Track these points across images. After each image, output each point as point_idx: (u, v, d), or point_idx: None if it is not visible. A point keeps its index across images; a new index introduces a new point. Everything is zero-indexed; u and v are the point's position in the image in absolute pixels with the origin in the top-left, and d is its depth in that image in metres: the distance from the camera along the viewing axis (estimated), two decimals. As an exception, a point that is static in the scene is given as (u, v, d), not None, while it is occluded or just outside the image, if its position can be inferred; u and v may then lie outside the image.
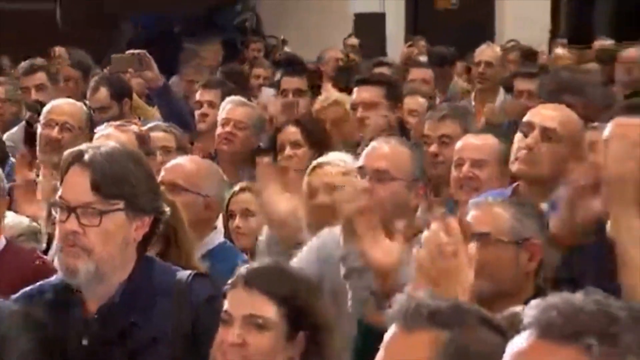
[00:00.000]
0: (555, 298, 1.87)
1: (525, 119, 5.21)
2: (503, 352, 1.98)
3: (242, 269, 3.28)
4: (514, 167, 5.01)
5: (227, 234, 5.16)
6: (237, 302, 3.04)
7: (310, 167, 5.04)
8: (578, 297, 1.90)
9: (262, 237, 4.67)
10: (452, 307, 2.60)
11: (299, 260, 4.49)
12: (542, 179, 5.02)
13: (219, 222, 4.98)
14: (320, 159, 5.14)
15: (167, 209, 3.72)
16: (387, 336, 2.51)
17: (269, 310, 2.99)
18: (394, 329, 2.46)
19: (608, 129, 4.27)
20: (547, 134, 5.02)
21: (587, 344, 1.75)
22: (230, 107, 6.27)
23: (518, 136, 5.10)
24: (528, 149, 4.95)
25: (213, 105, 6.84)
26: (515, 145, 5.08)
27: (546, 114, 5.12)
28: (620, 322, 1.79)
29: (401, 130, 6.63)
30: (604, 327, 1.77)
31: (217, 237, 4.75)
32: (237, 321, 2.99)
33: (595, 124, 5.14)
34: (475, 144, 5.31)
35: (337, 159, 5.04)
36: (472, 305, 2.75)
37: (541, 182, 5.01)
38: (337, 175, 4.81)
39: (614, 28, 14.70)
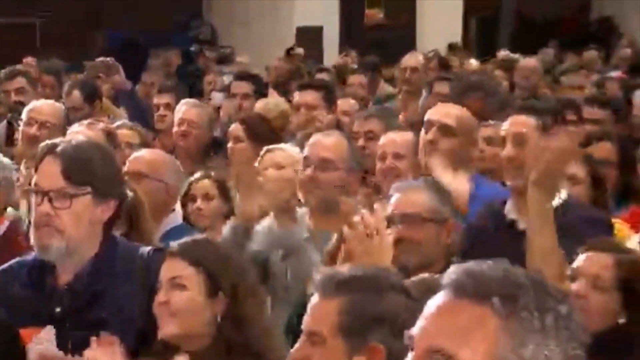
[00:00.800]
0: (469, 264, 1.86)
1: (425, 117, 5.19)
2: (408, 311, 2.03)
3: (172, 243, 3.31)
4: (421, 160, 4.97)
5: (186, 216, 5.12)
6: (165, 269, 3.06)
7: (263, 151, 5.06)
8: (488, 264, 1.87)
9: (229, 224, 4.65)
10: (361, 276, 2.65)
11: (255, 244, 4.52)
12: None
13: (178, 207, 4.96)
14: (271, 146, 5.15)
15: (130, 194, 3.87)
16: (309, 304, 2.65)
17: (188, 272, 3.00)
18: (314, 297, 2.60)
19: (505, 125, 4.34)
20: (444, 129, 4.98)
21: (492, 303, 1.75)
22: (184, 108, 6.27)
23: (422, 133, 5.08)
24: (429, 143, 4.95)
25: (169, 107, 6.80)
26: (420, 141, 5.06)
27: (443, 112, 5.11)
28: (520, 285, 1.78)
29: (337, 128, 6.57)
30: (507, 289, 1.76)
31: (176, 218, 4.74)
32: (164, 284, 3.02)
33: (491, 121, 5.22)
34: (396, 139, 5.30)
35: (284, 147, 5.11)
36: (382, 272, 2.81)
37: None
38: (284, 158, 4.87)
39: (513, 42, 14.71)
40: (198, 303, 3.00)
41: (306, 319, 2.63)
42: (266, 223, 4.61)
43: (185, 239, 3.32)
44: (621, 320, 3.29)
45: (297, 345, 2.57)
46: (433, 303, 1.83)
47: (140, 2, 15.42)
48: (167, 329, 2.99)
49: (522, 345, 1.73)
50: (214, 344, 2.95)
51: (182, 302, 2.99)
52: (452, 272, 1.83)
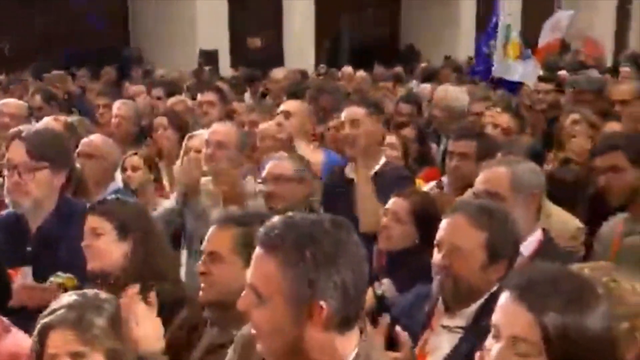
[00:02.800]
0: (276, 219, 1.85)
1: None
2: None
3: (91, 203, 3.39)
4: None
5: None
6: (87, 223, 3.00)
7: (187, 137, 4.99)
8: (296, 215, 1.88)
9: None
10: (249, 214, 2.75)
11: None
12: None
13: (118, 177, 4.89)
14: (192, 133, 5.06)
15: (78, 167, 3.94)
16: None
17: (102, 224, 2.94)
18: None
19: (343, 114, 4.35)
20: (286, 116, 4.91)
21: (282, 251, 1.74)
22: (118, 105, 6.13)
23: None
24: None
25: (107, 106, 6.61)
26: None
27: (286, 108, 5.03)
28: (307, 235, 1.76)
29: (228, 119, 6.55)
30: (292, 239, 1.74)
31: (115, 185, 4.61)
32: (86, 233, 2.97)
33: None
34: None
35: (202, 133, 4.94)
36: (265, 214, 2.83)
37: None
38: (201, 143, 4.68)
39: (350, 60, 14.73)
40: (112, 246, 2.94)
41: (206, 244, 2.65)
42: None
43: (102, 199, 3.33)
44: (416, 241, 3.32)
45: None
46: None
47: (84, 31, 14.89)
48: (90, 265, 2.97)
49: (313, 276, 1.72)
50: (126, 272, 2.89)
51: (100, 245, 2.94)
52: (262, 227, 1.83)
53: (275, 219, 1.84)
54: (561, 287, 1.67)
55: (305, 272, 1.71)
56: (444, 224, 2.66)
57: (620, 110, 5.45)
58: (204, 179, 4.40)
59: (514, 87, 8.02)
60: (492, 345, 1.67)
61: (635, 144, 3.01)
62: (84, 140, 4.73)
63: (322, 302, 1.72)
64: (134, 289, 2.58)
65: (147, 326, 2.43)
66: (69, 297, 2.24)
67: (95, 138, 4.81)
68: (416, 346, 2.62)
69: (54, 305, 2.24)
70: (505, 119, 5.07)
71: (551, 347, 1.61)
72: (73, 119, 6.01)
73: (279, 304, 1.73)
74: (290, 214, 1.86)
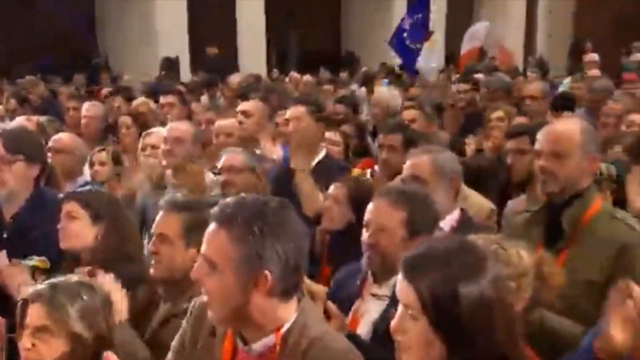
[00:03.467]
0: (229, 199, 1.89)
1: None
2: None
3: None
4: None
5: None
6: (63, 208, 2.98)
7: (143, 134, 4.92)
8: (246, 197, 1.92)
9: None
10: (193, 201, 2.75)
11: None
12: None
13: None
14: (148, 130, 5.00)
15: (50, 161, 3.89)
16: None
17: (77, 209, 2.92)
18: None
19: (288, 112, 4.37)
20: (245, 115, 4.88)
21: (233, 226, 1.77)
22: (86, 107, 6.05)
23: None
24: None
25: (76, 109, 6.48)
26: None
27: (245, 108, 4.99)
28: (255, 213, 1.79)
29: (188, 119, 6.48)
30: (243, 216, 1.77)
31: (84, 178, 4.57)
32: (62, 217, 2.95)
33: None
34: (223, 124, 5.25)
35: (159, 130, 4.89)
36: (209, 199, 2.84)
37: None
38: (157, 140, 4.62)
39: (298, 67, 14.67)
40: (86, 229, 2.92)
41: (155, 226, 2.68)
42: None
43: (78, 189, 3.41)
44: (352, 222, 3.31)
45: None
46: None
47: (56, 41, 14.56)
48: (63, 245, 2.96)
49: (259, 249, 1.75)
50: (96, 253, 2.87)
51: (75, 227, 2.92)
52: (217, 206, 1.86)
53: (229, 199, 1.87)
54: (440, 259, 1.69)
55: (253, 245, 1.74)
56: (370, 206, 2.69)
57: (529, 105, 5.62)
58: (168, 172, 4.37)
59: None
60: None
61: (535, 132, 3.08)
62: (54, 137, 4.70)
63: (266, 272, 1.75)
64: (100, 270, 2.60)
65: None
66: (54, 280, 2.21)
67: (64, 135, 4.79)
68: (350, 313, 2.66)
69: (40, 284, 2.23)
70: (412, 114, 5.22)
71: (427, 311, 1.64)
72: (43, 119, 5.95)
73: (229, 272, 1.76)
74: (241, 195, 1.90)
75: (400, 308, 1.70)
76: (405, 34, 9.26)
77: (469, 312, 1.63)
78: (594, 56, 9.35)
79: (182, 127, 4.40)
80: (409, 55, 9.32)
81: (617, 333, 2.01)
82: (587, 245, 2.72)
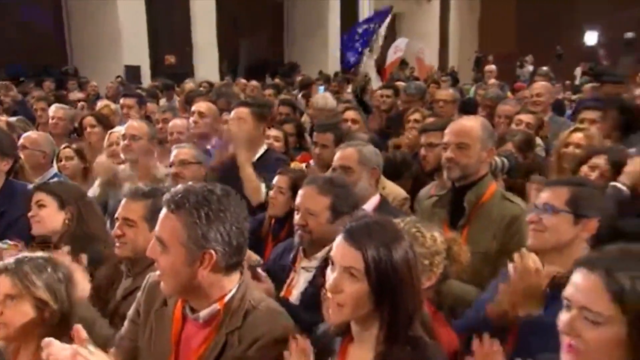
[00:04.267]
0: (179, 186, 1.87)
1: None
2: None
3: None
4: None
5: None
6: (33, 198, 2.94)
7: (108, 133, 4.80)
8: (195, 185, 1.89)
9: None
10: (153, 189, 2.69)
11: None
12: None
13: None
14: (113, 130, 4.90)
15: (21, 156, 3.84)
16: None
17: (46, 198, 2.90)
18: None
19: (232, 114, 4.26)
20: (200, 115, 4.77)
21: (184, 211, 1.76)
22: (54, 109, 5.85)
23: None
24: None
25: (44, 109, 6.33)
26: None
27: (199, 109, 4.83)
28: (203, 199, 1.78)
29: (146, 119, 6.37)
30: (192, 202, 1.77)
31: (53, 171, 4.43)
32: (32, 206, 2.91)
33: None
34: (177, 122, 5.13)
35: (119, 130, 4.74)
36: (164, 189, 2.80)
37: None
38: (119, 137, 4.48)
39: (247, 74, 14.49)
40: (55, 214, 2.89)
41: (120, 212, 2.64)
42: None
43: (47, 181, 3.36)
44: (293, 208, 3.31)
45: None
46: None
47: (29, 49, 13.96)
48: (35, 230, 2.92)
49: (206, 231, 1.75)
50: (64, 236, 2.84)
51: (45, 214, 2.89)
52: (168, 193, 1.84)
53: (179, 186, 1.86)
54: (377, 229, 1.74)
55: (200, 228, 1.74)
56: (300, 193, 2.72)
57: (441, 108, 5.73)
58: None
59: None
60: (329, 274, 1.74)
61: (443, 128, 3.15)
62: (24, 134, 4.58)
63: (211, 251, 1.76)
64: (65, 249, 2.55)
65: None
66: (23, 255, 2.17)
67: (33, 133, 4.68)
68: (284, 284, 2.70)
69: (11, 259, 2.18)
70: (352, 115, 5.29)
71: (369, 273, 1.68)
72: (13, 119, 5.84)
73: (179, 251, 1.75)
74: (190, 183, 1.89)
75: (337, 270, 1.70)
76: (357, 36, 9.48)
77: (397, 272, 1.68)
78: (493, 67, 9.58)
79: (138, 125, 4.32)
80: (354, 53, 9.54)
81: (504, 297, 2.10)
82: (483, 221, 2.80)
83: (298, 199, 2.70)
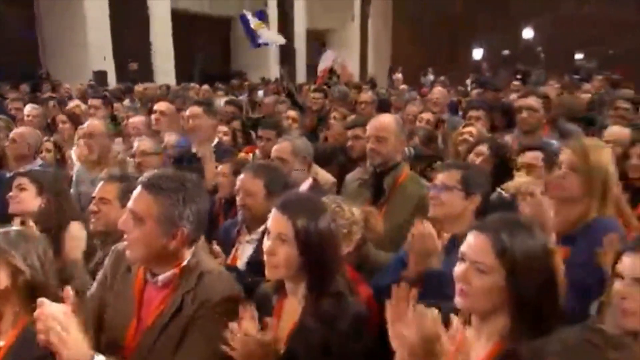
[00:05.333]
0: (157, 171, 1.82)
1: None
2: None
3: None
4: None
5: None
6: (15, 183, 2.81)
7: (79, 128, 4.62)
8: (168, 170, 1.87)
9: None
10: (124, 175, 2.63)
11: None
12: None
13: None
14: (83, 125, 4.57)
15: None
16: None
17: (26, 182, 2.77)
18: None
19: (188, 111, 4.16)
20: (161, 114, 4.58)
21: (161, 193, 1.71)
22: (29, 108, 5.61)
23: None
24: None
25: (19, 109, 6.07)
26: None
27: (160, 108, 4.65)
28: (179, 183, 1.74)
29: (112, 119, 6.15)
30: (168, 184, 1.73)
31: (37, 162, 4.17)
32: (13, 189, 2.78)
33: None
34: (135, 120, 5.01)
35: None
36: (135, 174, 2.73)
37: None
38: None
39: (200, 78, 13.97)
40: (33, 199, 2.76)
41: (97, 192, 2.54)
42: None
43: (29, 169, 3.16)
44: None
45: None
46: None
47: (10, 57, 13.09)
48: (12, 209, 2.78)
49: (179, 211, 1.71)
50: (41, 217, 2.70)
51: (25, 197, 2.76)
52: (145, 175, 1.78)
53: (156, 171, 1.82)
54: (304, 203, 1.77)
55: (177, 209, 1.71)
56: (239, 178, 2.69)
57: (362, 109, 5.77)
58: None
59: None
60: (266, 241, 1.75)
61: (365, 124, 3.22)
62: (15, 130, 4.38)
63: (184, 228, 1.72)
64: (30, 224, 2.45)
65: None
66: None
67: (22, 128, 4.46)
68: (230, 255, 2.67)
69: None
70: (293, 114, 5.25)
71: (298, 238, 1.69)
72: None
73: (153, 226, 1.70)
74: (164, 169, 1.87)
75: (272, 237, 1.71)
76: (251, 25, 9.82)
77: (321, 238, 1.71)
78: (399, 76, 9.82)
79: (95, 124, 4.15)
80: (253, 35, 9.97)
81: (412, 262, 2.15)
82: (400, 199, 2.87)
83: (238, 183, 2.67)
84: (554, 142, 3.43)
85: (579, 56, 21.41)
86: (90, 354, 1.49)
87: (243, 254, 2.62)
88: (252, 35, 9.75)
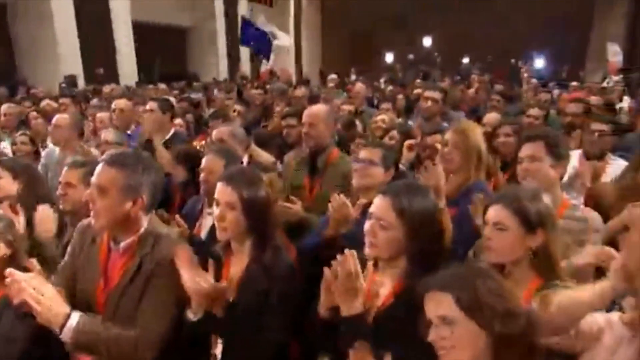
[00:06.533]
0: (118, 151, 1.74)
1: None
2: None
3: None
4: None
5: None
6: None
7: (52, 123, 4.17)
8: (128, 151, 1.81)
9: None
10: (86, 160, 2.44)
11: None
12: None
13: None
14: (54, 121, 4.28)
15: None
16: None
17: (2, 172, 2.55)
18: None
19: (148, 105, 3.98)
20: (120, 111, 4.36)
21: (123, 167, 1.62)
22: (5, 108, 5.13)
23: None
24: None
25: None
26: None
27: (119, 106, 4.44)
28: (139, 160, 1.67)
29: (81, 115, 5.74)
30: (131, 162, 1.64)
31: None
32: None
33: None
34: (103, 116, 4.73)
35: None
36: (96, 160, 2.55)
37: None
38: None
39: (162, 80, 13.17)
40: (11, 186, 2.54)
41: (62, 177, 2.36)
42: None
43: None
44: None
45: None
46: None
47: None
48: None
49: (140, 182, 1.64)
50: (21, 198, 2.50)
51: (2, 184, 2.53)
52: (108, 154, 1.69)
53: (115, 151, 1.77)
54: (245, 175, 1.76)
55: (135, 178, 1.63)
56: (203, 160, 2.61)
57: (296, 102, 5.69)
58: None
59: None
60: (215, 209, 1.74)
61: (299, 113, 3.19)
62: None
63: (142, 197, 1.65)
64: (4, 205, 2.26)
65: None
66: None
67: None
68: (194, 227, 2.59)
69: None
70: (239, 108, 5.11)
71: (243, 205, 1.68)
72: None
73: (116, 197, 1.62)
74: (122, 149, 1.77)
75: (221, 205, 1.69)
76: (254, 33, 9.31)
77: (261, 204, 1.70)
78: (334, 76, 9.81)
79: (65, 118, 3.91)
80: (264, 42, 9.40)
81: (331, 225, 2.16)
82: (331, 174, 2.85)
83: (203, 163, 2.58)
84: (446, 125, 3.56)
85: (465, 60, 22.53)
86: (66, 311, 1.44)
87: (205, 226, 2.56)
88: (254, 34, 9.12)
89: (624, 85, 7.90)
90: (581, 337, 1.28)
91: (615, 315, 1.30)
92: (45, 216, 2.23)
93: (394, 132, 3.61)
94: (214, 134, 3.16)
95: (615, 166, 2.85)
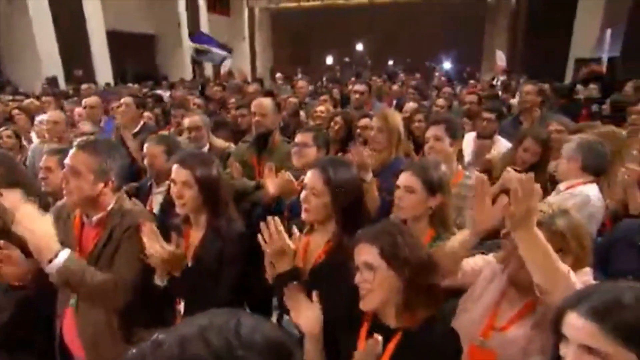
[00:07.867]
0: (89, 140, 1.63)
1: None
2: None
3: None
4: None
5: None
6: None
7: (36, 119, 3.97)
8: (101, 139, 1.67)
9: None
10: (63, 148, 2.20)
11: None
12: None
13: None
14: (38, 117, 4.01)
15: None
16: None
17: None
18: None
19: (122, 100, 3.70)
20: (91, 107, 4.01)
21: (95, 152, 1.55)
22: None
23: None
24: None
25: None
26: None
27: (90, 103, 4.07)
28: (109, 147, 1.56)
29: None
30: (103, 149, 1.56)
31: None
32: None
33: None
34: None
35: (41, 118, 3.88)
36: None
37: None
38: None
39: (134, 80, 12.42)
40: None
41: (42, 163, 2.18)
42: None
43: None
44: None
45: None
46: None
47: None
48: None
49: (111, 166, 1.54)
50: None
51: None
52: (81, 142, 1.56)
53: (86, 139, 1.65)
54: (197, 157, 1.67)
55: (108, 164, 1.55)
56: (145, 146, 2.52)
57: (249, 96, 5.50)
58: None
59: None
60: (173, 188, 1.67)
61: (249, 105, 3.09)
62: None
63: (112, 180, 1.57)
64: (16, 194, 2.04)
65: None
66: None
67: None
68: (147, 205, 2.47)
69: None
70: (198, 101, 4.89)
71: (198, 182, 1.63)
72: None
73: (89, 177, 1.53)
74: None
75: (177, 185, 1.63)
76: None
77: (214, 182, 1.65)
78: (280, 75, 9.60)
79: (52, 115, 3.60)
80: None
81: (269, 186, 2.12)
82: (277, 155, 2.76)
83: (144, 150, 2.49)
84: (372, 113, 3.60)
85: (390, 62, 22.85)
86: (57, 247, 1.37)
87: (155, 204, 2.47)
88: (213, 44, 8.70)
89: (508, 82, 8.39)
90: (466, 275, 1.35)
91: (491, 256, 1.39)
92: (10, 200, 2.00)
93: (338, 118, 3.59)
94: (189, 121, 3.02)
95: (500, 144, 2.99)
